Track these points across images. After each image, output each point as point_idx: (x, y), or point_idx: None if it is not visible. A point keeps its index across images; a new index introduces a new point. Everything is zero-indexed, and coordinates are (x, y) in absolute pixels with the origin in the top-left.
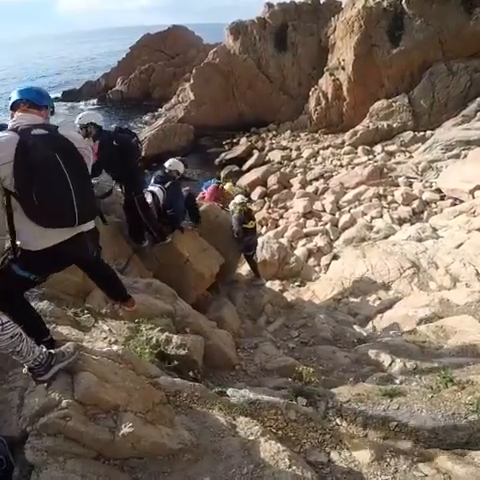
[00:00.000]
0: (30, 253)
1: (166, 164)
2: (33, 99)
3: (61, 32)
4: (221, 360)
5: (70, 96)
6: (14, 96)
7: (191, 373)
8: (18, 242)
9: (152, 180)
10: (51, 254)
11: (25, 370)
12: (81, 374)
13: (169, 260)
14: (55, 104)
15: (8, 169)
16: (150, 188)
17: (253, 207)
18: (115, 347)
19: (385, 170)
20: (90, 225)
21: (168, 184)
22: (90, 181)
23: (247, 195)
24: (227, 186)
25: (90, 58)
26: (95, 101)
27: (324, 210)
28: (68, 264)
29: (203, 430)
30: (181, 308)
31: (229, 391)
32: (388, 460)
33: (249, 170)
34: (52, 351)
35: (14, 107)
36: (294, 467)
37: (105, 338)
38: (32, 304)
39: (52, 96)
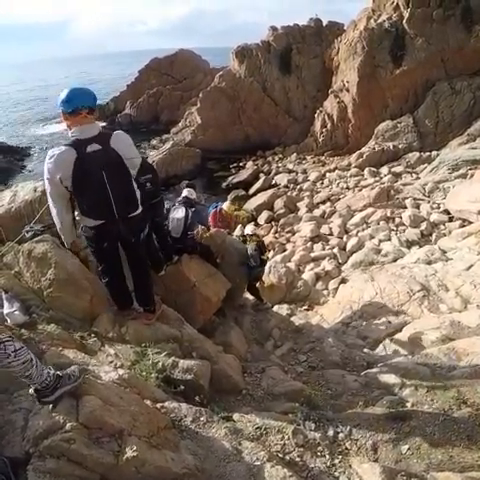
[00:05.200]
0: (87, 228)
1: (185, 192)
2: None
3: (71, 55)
4: (228, 385)
5: None
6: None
7: (197, 398)
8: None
9: (177, 204)
10: (98, 230)
11: (31, 391)
12: (86, 398)
13: (176, 285)
14: (63, 128)
15: (69, 181)
16: (181, 207)
17: (260, 231)
18: (121, 371)
19: (392, 192)
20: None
21: (194, 209)
22: (131, 181)
23: (254, 219)
24: (225, 206)
25: (100, 81)
26: (104, 124)
27: (331, 234)
28: (114, 240)
29: (208, 455)
30: (188, 333)
31: (235, 416)
32: None
33: (256, 194)
34: (59, 373)
35: (75, 112)
36: None
37: (111, 362)
38: (39, 327)
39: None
